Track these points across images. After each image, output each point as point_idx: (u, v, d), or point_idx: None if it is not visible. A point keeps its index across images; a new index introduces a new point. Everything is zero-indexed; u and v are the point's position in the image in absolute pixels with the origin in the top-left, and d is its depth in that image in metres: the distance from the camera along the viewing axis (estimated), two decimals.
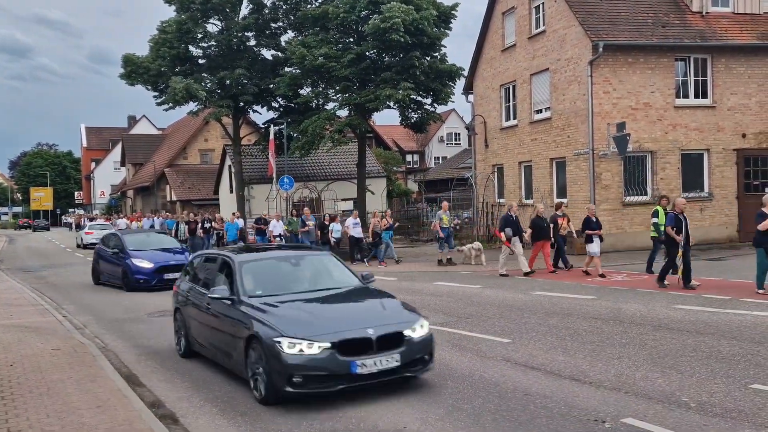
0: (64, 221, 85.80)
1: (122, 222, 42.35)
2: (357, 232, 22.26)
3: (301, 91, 32.41)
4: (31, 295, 17.07)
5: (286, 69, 32.48)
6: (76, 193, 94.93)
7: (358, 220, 22.75)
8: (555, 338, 9.36)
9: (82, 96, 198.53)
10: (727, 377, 7.01)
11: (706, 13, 21.87)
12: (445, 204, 21.22)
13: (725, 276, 14.80)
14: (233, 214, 27.57)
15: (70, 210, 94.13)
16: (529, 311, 11.67)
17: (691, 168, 21.50)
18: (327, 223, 23.25)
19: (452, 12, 30.33)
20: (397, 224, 24.36)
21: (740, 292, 12.55)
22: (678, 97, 21.29)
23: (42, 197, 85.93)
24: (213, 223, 27.36)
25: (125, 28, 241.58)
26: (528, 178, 24.36)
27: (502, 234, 17.03)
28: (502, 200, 25.41)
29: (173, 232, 27.89)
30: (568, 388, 6.97)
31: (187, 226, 27.75)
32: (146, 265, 17.73)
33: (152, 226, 32.59)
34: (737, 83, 21.57)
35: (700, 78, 21.49)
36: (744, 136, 21.75)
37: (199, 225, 27.37)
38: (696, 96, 21.51)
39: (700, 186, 21.56)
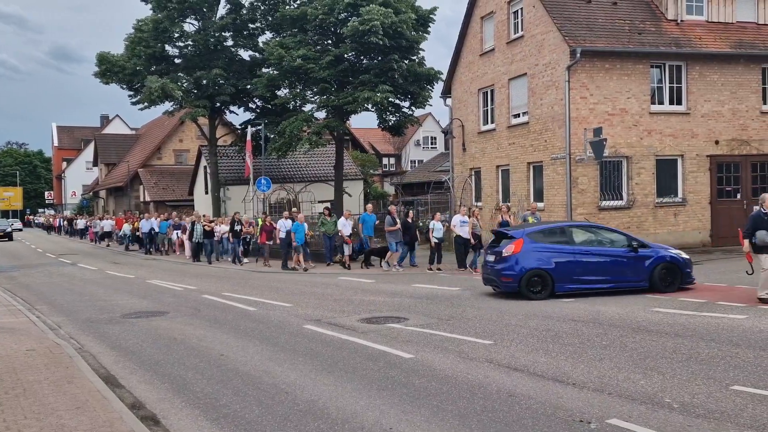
0: (37, 221, 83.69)
1: (107, 223, 40.91)
2: (464, 231, 19.00)
3: (279, 93, 32.34)
4: (2, 295, 16.73)
5: (264, 70, 32.36)
6: (46, 192, 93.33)
7: (466, 218, 19.29)
8: (536, 340, 9.41)
9: (50, 93, 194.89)
10: (707, 378, 7.10)
11: (681, 21, 22.22)
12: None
13: (700, 280, 15.00)
14: (294, 212, 23.64)
15: (40, 210, 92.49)
16: (509, 314, 11.72)
17: (666, 173, 21.80)
18: (411, 220, 20.61)
19: (430, 16, 30.54)
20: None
21: (715, 295, 12.77)
22: (653, 103, 21.58)
23: (11, 197, 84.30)
24: (241, 226, 24.55)
25: (90, 24, 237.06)
26: (505, 182, 24.51)
27: (747, 242, 11.93)
28: (479, 203, 25.51)
29: (188, 233, 26.06)
30: (551, 389, 7.00)
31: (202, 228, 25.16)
32: None
33: (152, 229, 30.84)
34: (711, 90, 21.94)
35: (674, 85, 21.81)
36: (717, 142, 22.11)
37: (226, 228, 25.02)
38: (671, 102, 21.82)
39: (674, 191, 21.87)
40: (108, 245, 39.61)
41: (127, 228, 35.22)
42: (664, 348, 8.60)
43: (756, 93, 22.40)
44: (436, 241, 19.62)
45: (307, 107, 31.55)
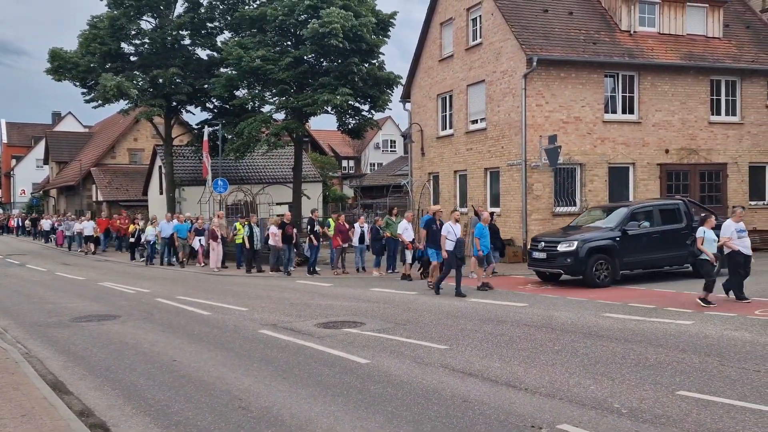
0: None
1: (87, 225, 32.86)
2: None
3: (237, 93, 31.95)
4: None
5: (222, 70, 31.96)
6: None
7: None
8: (491, 345, 9.52)
9: None
10: (655, 384, 7.29)
11: (634, 32, 22.78)
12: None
13: (649, 286, 15.40)
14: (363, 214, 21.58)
15: None
16: (464, 318, 11.84)
17: (618, 181, 22.31)
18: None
19: (391, 20, 30.58)
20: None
21: (663, 300, 13.11)
22: (607, 112, 22.09)
23: None
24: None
25: (33, 16, 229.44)
26: (463, 186, 24.75)
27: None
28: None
29: (247, 239, 21.49)
30: (505, 394, 7.10)
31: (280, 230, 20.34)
32: None
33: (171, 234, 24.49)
34: (662, 101, 22.54)
35: (627, 94, 22.35)
36: (667, 151, 22.73)
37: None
38: (623, 111, 22.36)
39: (625, 198, 22.33)
40: (92, 252, 32.19)
41: (150, 232, 25.97)
42: (614, 353, 8.79)
43: (704, 104, 23.11)
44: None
45: (266, 108, 31.29)
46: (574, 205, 21.56)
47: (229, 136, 31.80)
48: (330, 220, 21.21)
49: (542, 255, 16.20)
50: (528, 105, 20.90)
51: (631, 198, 22.16)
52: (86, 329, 11.72)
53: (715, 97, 23.34)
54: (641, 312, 11.94)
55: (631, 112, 22.41)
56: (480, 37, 23.51)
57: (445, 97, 25.95)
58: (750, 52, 23.81)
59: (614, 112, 22.23)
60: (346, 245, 20.30)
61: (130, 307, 14.25)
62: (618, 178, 22.29)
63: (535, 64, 20.47)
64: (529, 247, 17.42)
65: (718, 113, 23.42)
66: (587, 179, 21.75)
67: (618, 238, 15.73)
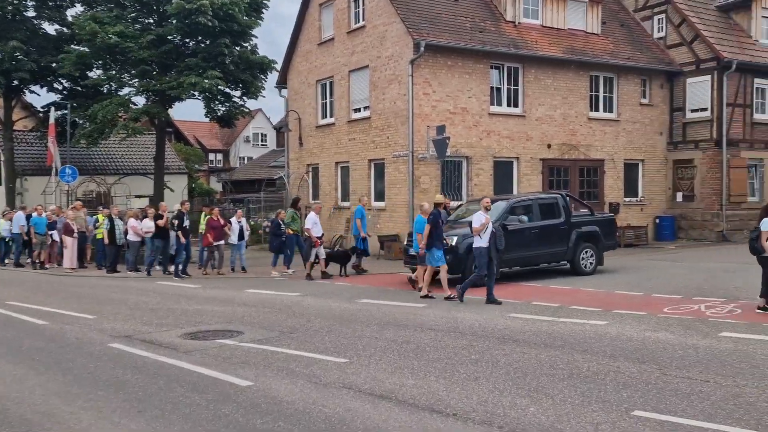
0: None
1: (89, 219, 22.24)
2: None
3: (90, 73, 28.68)
4: None
5: (73, 47, 28.50)
6: None
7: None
8: (397, 355, 8.06)
9: None
10: (602, 402, 6.11)
11: (519, 23, 22.29)
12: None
13: (545, 283, 14.67)
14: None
15: None
16: (359, 322, 10.31)
17: (503, 175, 21.72)
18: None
19: (264, 2, 28.57)
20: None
21: (564, 298, 12.31)
22: (493, 104, 21.42)
23: None
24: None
25: None
26: (345, 179, 23.24)
27: None
28: (317, 201, 24.02)
29: (107, 233, 18.64)
30: (430, 423, 5.63)
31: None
32: None
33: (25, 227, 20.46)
34: (545, 95, 22.22)
35: (512, 87, 21.82)
36: (549, 146, 22.46)
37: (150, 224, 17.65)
38: (509, 104, 21.80)
39: (509, 193, 21.80)
40: None
41: (4, 227, 21.20)
42: (540, 362, 7.61)
43: (584, 99, 23.08)
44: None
45: (125, 91, 28.22)
46: (461, 199, 20.68)
47: (80, 121, 28.47)
48: (202, 214, 18.38)
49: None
50: (415, 93, 19.75)
51: (515, 193, 21.65)
52: None
53: (593, 93, 23.40)
54: (547, 311, 10.98)
55: (516, 105, 21.90)
56: (363, 20, 22.10)
57: (326, 84, 24.32)
58: (625, 50, 24.11)
59: (500, 104, 21.61)
60: (222, 242, 17.92)
61: None
62: (503, 172, 21.70)
63: (422, 49, 19.34)
64: (405, 243, 16.08)
65: (597, 109, 23.52)
66: (473, 173, 20.97)
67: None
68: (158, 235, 17.42)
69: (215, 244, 17.59)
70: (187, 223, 17.24)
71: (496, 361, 7.72)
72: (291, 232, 17.31)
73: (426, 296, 12.66)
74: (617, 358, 7.68)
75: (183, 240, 17.02)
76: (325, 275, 16.37)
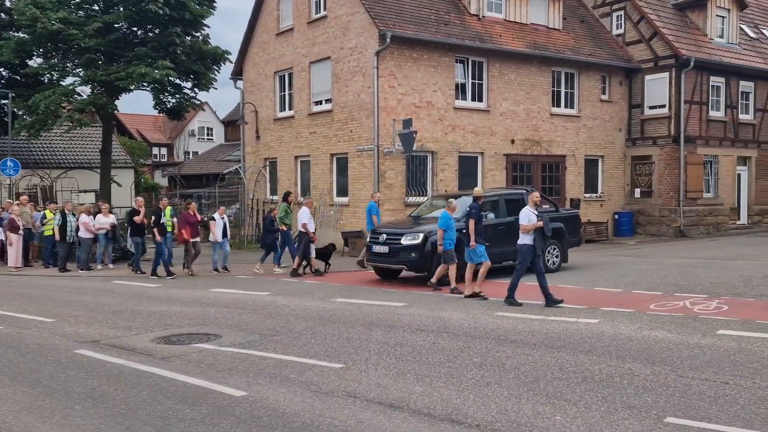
0: None
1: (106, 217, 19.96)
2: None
3: (31, 62, 27.13)
4: None
5: (12, 33, 26.87)
6: None
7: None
8: (394, 359, 7.57)
9: None
10: (629, 408, 5.77)
11: (483, 17, 22.04)
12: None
13: (500, 279, 14.39)
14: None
15: None
16: (342, 323, 9.78)
17: (468, 170, 21.45)
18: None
19: None
20: None
21: (539, 295, 12.01)
22: (458, 98, 21.12)
23: None
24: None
25: None
26: (305, 174, 22.57)
27: None
28: (274, 197, 23.27)
29: (58, 229, 17.58)
30: None
31: None
32: None
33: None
34: (508, 90, 22.06)
35: (477, 81, 21.57)
36: (513, 141, 22.32)
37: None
38: (473, 99, 21.54)
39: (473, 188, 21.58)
40: None
41: None
42: (548, 364, 7.25)
43: (546, 95, 23.04)
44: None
45: (68, 80, 26.78)
46: (426, 194, 20.31)
47: (20, 112, 26.89)
48: (168, 208, 16.75)
49: (384, 249, 14.25)
50: (380, 86, 19.26)
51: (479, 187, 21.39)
52: None
53: (555, 89, 23.38)
54: (534, 310, 10.70)
55: (480, 99, 21.66)
56: (324, 10, 21.47)
57: (284, 75, 23.58)
58: (586, 46, 24.19)
59: (465, 98, 21.33)
60: (197, 239, 16.80)
61: None
62: (468, 167, 21.43)
63: (389, 40, 18.87)
64: (368, 239, 15.59)
65: (558, 105, 23.50)
66: (438, 168, 20.63)
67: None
68: (135, 232, 16.44)
69: (192, 241, 16.60)
70: (164, 220, 16.18)
71: (501, 364, 7.32)
72: (284, 227, 16.65)
73: (473, 295, 11.95)
74: (625, 360, 7.39)
75: (159, 238, 15.92)
76: (294, 273, 15.72)
